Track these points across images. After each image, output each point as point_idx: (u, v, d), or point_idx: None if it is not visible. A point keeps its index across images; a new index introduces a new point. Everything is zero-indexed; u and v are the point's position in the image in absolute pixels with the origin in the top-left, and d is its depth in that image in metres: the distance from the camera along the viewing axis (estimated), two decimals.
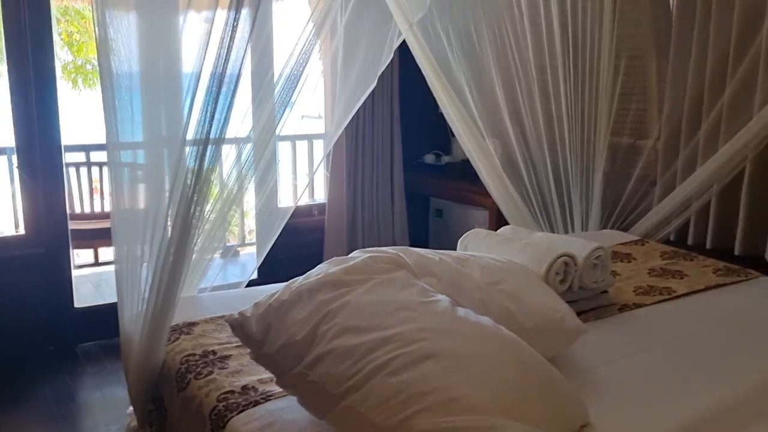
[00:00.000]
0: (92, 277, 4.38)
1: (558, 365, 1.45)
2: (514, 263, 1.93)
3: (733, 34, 2.68)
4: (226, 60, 1.64)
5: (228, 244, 3.92)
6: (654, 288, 2.29)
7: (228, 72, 1.65)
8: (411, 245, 4.25)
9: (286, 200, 4.42)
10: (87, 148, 4.43)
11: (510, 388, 1.26)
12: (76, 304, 3.42)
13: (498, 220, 3.71)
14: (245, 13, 1.63)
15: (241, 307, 1.54)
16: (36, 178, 3.23)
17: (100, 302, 3.56)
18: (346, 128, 3.00)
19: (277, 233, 2.75)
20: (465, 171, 4.17)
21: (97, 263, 4.52)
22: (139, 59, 1.99)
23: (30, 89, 3.13)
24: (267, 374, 1.57)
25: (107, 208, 4.32)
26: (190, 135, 1.75)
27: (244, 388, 1.58)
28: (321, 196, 4.36)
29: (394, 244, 4.23)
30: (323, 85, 3.78)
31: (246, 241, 4.83)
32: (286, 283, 1.53)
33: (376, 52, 2.66)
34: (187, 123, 1.76)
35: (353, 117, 2.94)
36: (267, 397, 1.53)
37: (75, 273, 3.59)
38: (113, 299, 3.84)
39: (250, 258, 4.37)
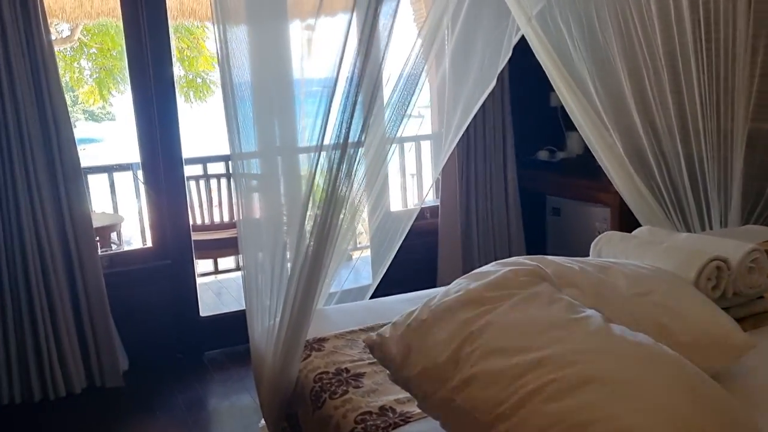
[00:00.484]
0: (213, 285, 4.53)
1: (718, 383, 1.29)
2: (660, 270, 1.78)
3: None
4: (364, 63, 1.60)
5: None
6: None
7: (366, 75, 1.62)
8: (527, 245, 4.15)
9: (395, 204, 4.38)
10: (204, 160, 4.57)
11: (685, 417, 1.12)
12: (202, 313, 3.53)
13: (620, 218, 3.51)
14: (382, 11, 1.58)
15: (368, 321, 1.50)
16: (160, 192, 3.35)
17: (224, 310, 3.66)
18: (455, 126, 2.91)
19: (402, 238, 2.73)
20: (582, 167, 3.98)
21: (216, 271, 4.66)
22: (253, 69, 1.99)
23: (151, 105, 3.23)
24: (403, 394, 1.51)
25: (225, 219, 4.45)
26: (327, 140, 1.72)
27: (382, 408, 1.53)
28: (429, 197, 4.28)
29: (510, 245, 4.10)
30: (428, 84, 3.70)
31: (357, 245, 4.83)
32: (422, 298, 1.46)
33: (494, 50, 2.55)
34: (323, 129, 1.73)
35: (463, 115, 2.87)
36: (406, 419, 1.47)
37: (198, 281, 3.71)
38: (235, 307, 3.96)
39: (363, 262, 4.36)
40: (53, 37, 3.03)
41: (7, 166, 2.82)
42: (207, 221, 4.46)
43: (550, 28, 2.73)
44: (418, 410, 1.43)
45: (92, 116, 11.03)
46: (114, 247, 4.17)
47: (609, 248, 2.12)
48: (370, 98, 1.69)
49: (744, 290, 1.91)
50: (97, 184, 4.41)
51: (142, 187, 3.54)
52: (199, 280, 4.13)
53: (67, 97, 2.96)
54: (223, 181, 4.47)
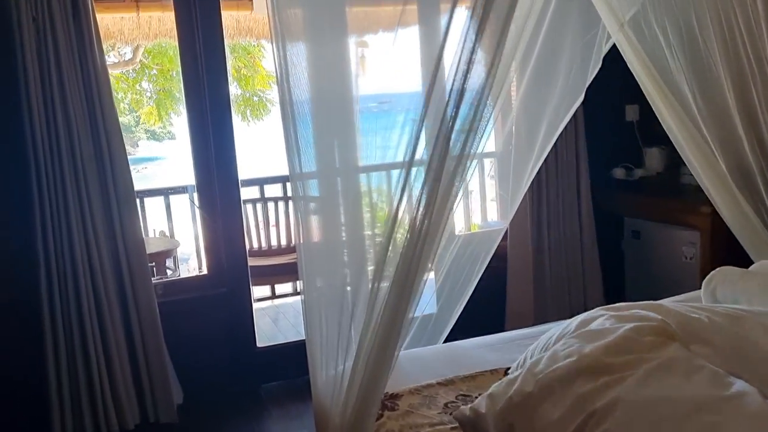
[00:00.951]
0: (269, 311, 4.36)
1: None
2: None
3: None
4: (467, 73, 1.44)
5: None
6: None
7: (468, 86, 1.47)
8: (604, 271, 3.84)
9: (458, 225, 4.12)
10: (261, 182, 4.41)
11: None
12: (258, 343, 3.35)
13: (712, 242, 3.19)
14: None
15: (445, 371, 1.27)
16: (215, 216, 3.20)
17: (281, 340, 3.48)
18: (539, 146, 2.66)
19: (483, 266, 2.62)
20: (665, 185, 3.67)
21: (273, 296, 4.49)
22: (312, 87, 1.87)
23: (207, 126, 3.10)
24: None
25: (283, 243, 4.27)
26: (418, 156, 1.60)
27: None
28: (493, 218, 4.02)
29: (584, 271, 3.80)
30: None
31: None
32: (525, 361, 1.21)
33: (583, 61, 2.30)
34: (415, 145, 1.59)
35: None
36: None
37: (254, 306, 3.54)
38: (292, 335, 3.77)
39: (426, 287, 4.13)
40: (115, 60, 2.94)
41: (59, 190, 2.70)
42: (264, 246, 4.29)
43: (645, 35, 2.45)
44: None
45: (153, 135, 11.20)
46: (169, 272, 4.04)
47: (726, 288, 1.82)
48: (442, 115, 1.51)
49: None
50: (153, 207, 4.31)
51: (197, 211, 3.40)
52: (255, 305, 3.98)
53: (129, 118, 2.86)
54: (281, 204, 4.29)
